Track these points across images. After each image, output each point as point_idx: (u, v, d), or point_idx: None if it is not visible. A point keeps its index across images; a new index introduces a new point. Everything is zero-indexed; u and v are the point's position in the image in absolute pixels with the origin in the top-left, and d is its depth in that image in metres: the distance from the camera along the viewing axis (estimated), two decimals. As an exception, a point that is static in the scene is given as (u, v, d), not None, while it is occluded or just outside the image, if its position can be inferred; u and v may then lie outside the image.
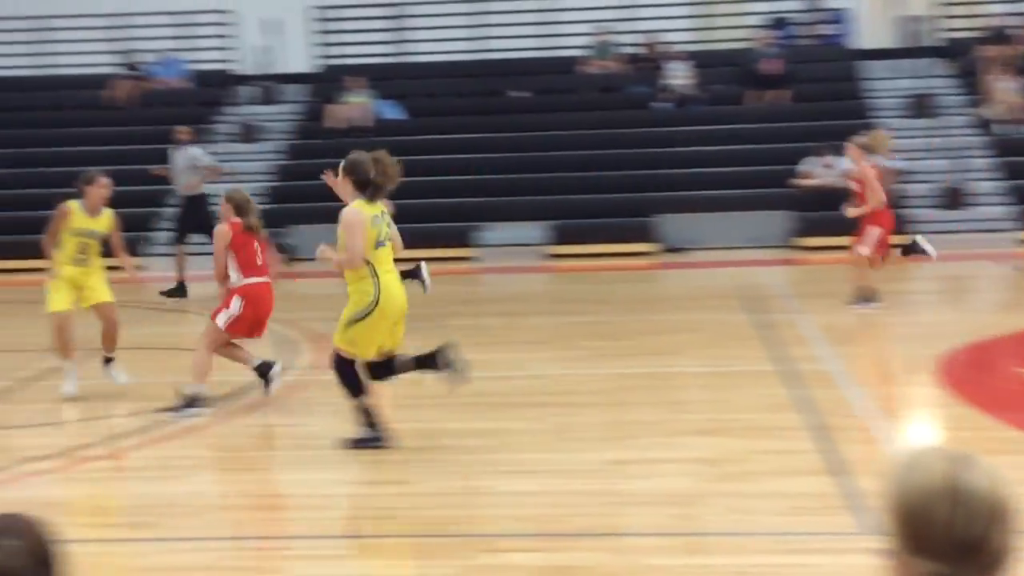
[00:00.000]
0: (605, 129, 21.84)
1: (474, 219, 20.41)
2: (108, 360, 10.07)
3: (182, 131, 17.46)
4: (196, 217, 16.72)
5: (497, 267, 19.23)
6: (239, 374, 9.73)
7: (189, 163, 17.15)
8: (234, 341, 9.41)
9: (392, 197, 8.34)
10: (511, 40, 24.09)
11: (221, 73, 24.45)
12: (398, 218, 8.41)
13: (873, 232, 13.02)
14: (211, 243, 9.80)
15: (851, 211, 13.21)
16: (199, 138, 22.37)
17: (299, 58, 24.02)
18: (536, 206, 20.45)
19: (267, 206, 20.64)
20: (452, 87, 23.98)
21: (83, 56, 24.49)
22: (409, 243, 8.48)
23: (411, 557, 6.34)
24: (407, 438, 8.02)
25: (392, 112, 22.69)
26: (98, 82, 23.91)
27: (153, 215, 20.78)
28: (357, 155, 7.96)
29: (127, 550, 6.48)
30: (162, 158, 22.45)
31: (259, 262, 9.34)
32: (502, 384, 9.92)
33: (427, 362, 8.10)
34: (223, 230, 9.33)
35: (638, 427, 8.49)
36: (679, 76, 22.49)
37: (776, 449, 7.70)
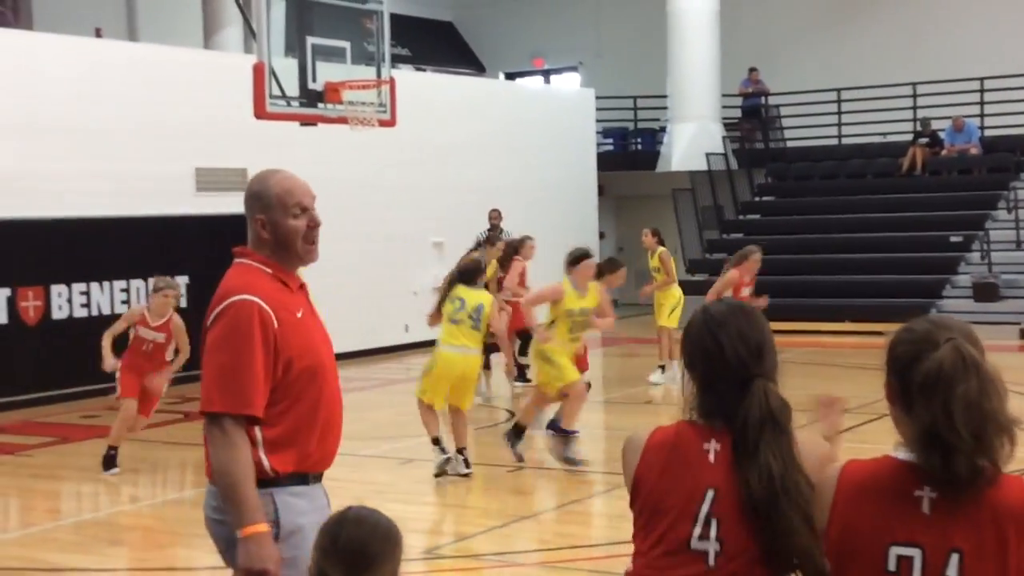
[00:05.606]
0: None
1: None
2: None
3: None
4: None
5: None
6: None
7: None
8: None
9: None
10: None
11: (1013, 138, 24.97)
12: None
13: None
14: None
15: None
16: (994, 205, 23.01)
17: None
18: None
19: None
20: None
21: (885, 125, 26.17)
22: None
23: None
24: None
25: None
26: (897, 150, 25.57)
27: (946, 281, 21.94)
28: None
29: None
30: (952, 224, 23.43)
31: None
32: None
33: None
34: None
35: None
36: None
37: None
